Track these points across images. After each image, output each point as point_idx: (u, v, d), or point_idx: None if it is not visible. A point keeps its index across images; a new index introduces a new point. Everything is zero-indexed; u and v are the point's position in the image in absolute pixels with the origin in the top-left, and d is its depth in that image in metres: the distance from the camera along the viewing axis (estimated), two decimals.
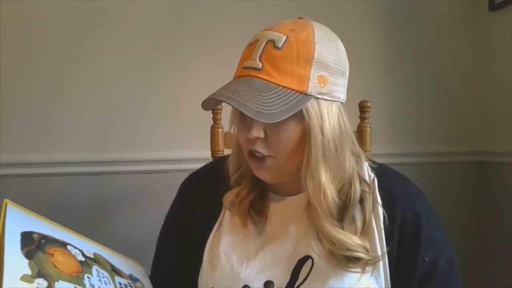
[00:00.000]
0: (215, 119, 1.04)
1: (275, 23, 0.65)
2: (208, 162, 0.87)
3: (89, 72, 1.30)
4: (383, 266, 0.66)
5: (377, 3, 1.47)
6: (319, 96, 0.61)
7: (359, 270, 0.64)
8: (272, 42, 0.61)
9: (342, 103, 0.65)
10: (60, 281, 0.53)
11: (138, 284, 0.70)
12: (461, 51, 1.52)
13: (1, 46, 1.24)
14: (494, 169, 1.46)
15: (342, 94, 0.65)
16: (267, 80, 0.60)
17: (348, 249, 0.63)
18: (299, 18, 0.67)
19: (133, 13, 1.32)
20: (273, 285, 0.66)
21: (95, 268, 0.62)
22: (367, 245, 0.65)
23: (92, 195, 1.31)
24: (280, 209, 0.72)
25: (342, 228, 0.65)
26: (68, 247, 0.62)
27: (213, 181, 0.77)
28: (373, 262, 0.65)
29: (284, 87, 0.60)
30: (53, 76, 1.28)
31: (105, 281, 0.62)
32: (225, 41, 1.35)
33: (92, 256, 0.65)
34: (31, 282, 0.50)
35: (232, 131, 0.71)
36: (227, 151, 1.01)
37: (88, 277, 0.59)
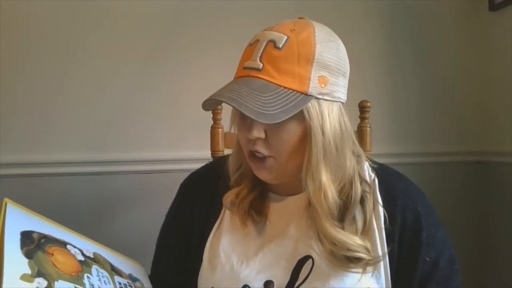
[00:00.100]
0: (215, 119, 1.04)
1: (276, 23, 0.65)
2: (208, 162, 0.87)
3: (89, 72, 1.30)
4: (383, 266, 0.66)
5: (377, 3, 1.47)
6: (320, 97, 0.61)
7: (360, 270, 0.64)
8: (273, 42, 0.61)
9: (342, 103, 0.65)
10: (60, 281, 0.53)
11: (137, 283, 0.70)
12: (461, 51, 1.52)
13: (1, 46, 1.24)
14: (494, 169, 1.46)
15: (342, 94, 0.65)
16: (267, 80, 0.60)
17: (349, 250, 0.63)
18: (300, 18, 0.67)
19: (133, 13, 1.32)
20: (273, 285, 0.66)
21: (94, 267, 0.62)
22: (368, 245, 0.65)
23: (92, 195, 1.31)
24: (280, 209, 0.72)
25: (342, 228, 0.65)
26: (68, 246, 0.62)
27: (213, 181, 0.77)
28: (374, 262, 0.65)
29: (285, 87, 0.60)
30: (53, 76, 1.28)
31: (104, 281, 0.61)
32: (225, 41, 1.35)
33: (91, 256, 0.65)
34: (31, 281, 0.50)
35: (232, 131, 0.71)
36: (227, 151, 1.01)
37: (88, 277, 0.59)
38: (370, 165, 0.72)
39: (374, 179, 0.70)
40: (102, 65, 1.31)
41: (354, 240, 0.64)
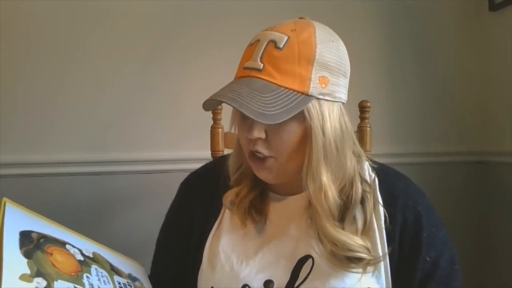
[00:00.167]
0: (215, 119, 1.04)
1: (276, 23, 0.65)
2: (207, 162, 0.87)
3: (89, 72, 1.30)
4: (384, 266, 0.66)
5: (377, 3, 1.47)
6: (321, 97, 0.61)
7: (360, 270, 0.64)
8: (274, 43, 0.61)
9: (343, 103, 0.65)
10: (59, 281, 0.53)
11: (137, 283, 0.70)
12: (461, 51, 1.52)
13: (1, 46, 1.24)
14: (494, 169, 1.46)
15: (343, 95, 0.65)
16: (268, 80, 0.60)
17: (350, 250, 0.63)
18: (300, 18, 0.67)
19: (133, 13, 1.32)
20: (273, 284, 0.66)
21: (94, 267, 0.62)
22: (369, 245, 0.65)
23: (92, 195, 1.31)
24: (281, 209, 0.72)
25: (343, 228, 0.65)
26: (67, 246, 0.62)
27: (213, 180, 0.77)
28: (374, 262, 0.65)
29: (285, 87, 0.60)
30: (53, 76, 1.28)
31: (104, 281, 0.61)
32: (225, 41, 1.35)
33: (91, 256, 0.65)
34: (30, 281, 0.50)
35: (232, 131, 0.71)
36: (227, 151, 1.01)
37: (87, 277, 0.59)
38: (370, 165, 0.72)
39: (374, 179, 0.70)
40: (102, 65, 1.31)
41: (354, 240, 0.64)
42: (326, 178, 0.63)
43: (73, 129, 1.30)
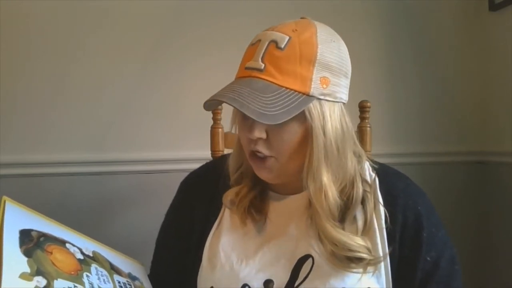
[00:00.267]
0: (215, 119, 1.04)
1: (276, 23, 0.65)
2: (207, 161, 0.87)
3: (89, 72, 1.30)
4: (384, 266, 0.66)
5: (377, 3, 1.47)
6: (322, 97, 0.61)
7: (361, 270, 0.64)
8: (275, 43, 0.61)
9: (344, 103, 0.65)
10: (59, 279, 0.53)
11: (137, 282, 0.70)
12: (461, 51, 1.52)
13: (1, 46, 1.24)
14: (494, 169, 1.46)
15: (344, 95, 0.65)
16: (269, 81, 0.60)
17: (350, 250, 0.63)
18: (302, 18, 0.67)
19: (133, 13, 1.32)
20: (273, 284, 0.66)
21: (94, 266, 0.62)
22: (369, 245, 0.65)
23: (92, 195, 1.31)
24: (281, 208, 0.72)
25: (343, 228, 0.65)
26: (67, 245, 0.62)
27: (213, 180, 0.77)
28: (375, 262, 0.65)
29: (287, 88, 0.60)
30: (53, 76, 1.28)
31: (104, 280, 0.61)
32: (225, 41, 1.35)
33: (91, 255, 0.65)
34: (30, 280, 0.50)
35: (233, 131, 0.71)
36: (227, 151, 1.01)
37: (87, 275, 0.58)
38: (370, 165, 0.72)
39: (374, 179, 0.70)
40: (102, 65, 1.31)
41: (355, 241, 0.64)
42: (326, 178, 0.63)
43: (73, 129, 1.30)
